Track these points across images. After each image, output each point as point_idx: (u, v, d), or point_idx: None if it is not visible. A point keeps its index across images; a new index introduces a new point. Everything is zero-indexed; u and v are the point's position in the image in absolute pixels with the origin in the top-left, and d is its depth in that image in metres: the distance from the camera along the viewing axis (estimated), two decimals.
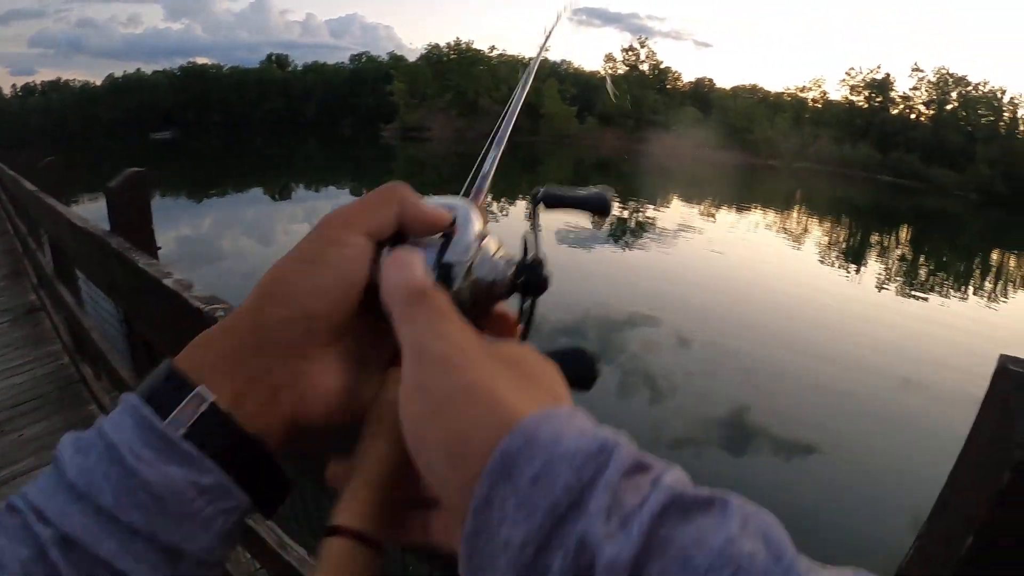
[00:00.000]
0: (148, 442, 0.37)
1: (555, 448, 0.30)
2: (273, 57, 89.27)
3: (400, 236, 0.47)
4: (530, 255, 0.51)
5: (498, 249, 0.50)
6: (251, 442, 0.41)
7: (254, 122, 74.89)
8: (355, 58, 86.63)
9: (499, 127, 0.72)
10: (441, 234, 0.47)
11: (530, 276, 0.50)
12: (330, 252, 0.44)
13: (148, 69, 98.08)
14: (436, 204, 0.47)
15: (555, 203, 0.55)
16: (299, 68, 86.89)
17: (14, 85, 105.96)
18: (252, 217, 21.54)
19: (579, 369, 0.46)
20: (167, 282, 2.00)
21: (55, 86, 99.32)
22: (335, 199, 27.45)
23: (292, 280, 0.44)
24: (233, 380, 0.42)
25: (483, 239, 0.48)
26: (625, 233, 23.92)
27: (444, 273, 0.46)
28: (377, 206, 0.46)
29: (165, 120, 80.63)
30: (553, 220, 17.38)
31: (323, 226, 0.45)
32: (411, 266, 0.43)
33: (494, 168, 0.66)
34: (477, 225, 0.48)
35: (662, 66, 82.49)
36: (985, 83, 72.34)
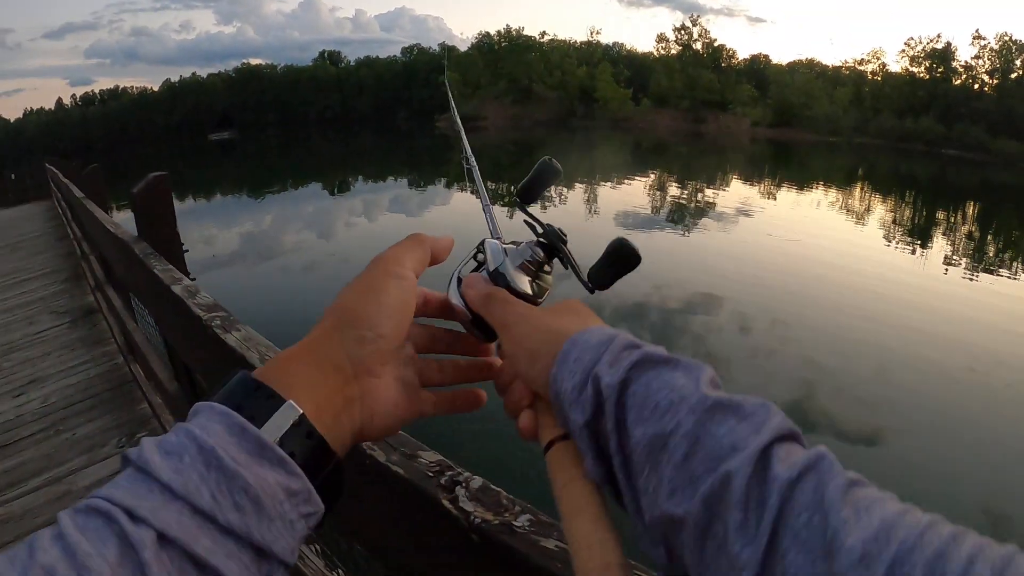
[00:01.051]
0: (244, 447, 0.41)
1: (586, 343, 0.48)
2: (325, 54, 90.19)
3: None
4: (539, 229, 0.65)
5: (519, 244, 0.65)
6: (331, 453, 0.48)
7: (310, 119, 75.73)
8: (407, 51, 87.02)
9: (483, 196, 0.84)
10: (474, 257, 0.66)
11: (551, 236, 0.64)
12: (391, 283, 0.56)
13: (203, 72, 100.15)
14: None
15: (602, 282, 0.63)
16: (352, 64, 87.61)
17: (74, 95, 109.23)
18: (311, 212, 21.65)
19: (625, 255, 0.61)
20: (176, 288, 1.98)
21: (113, 94, 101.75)
22: (393, 190, 27.52)
23: (363, 306, 0.55)
24: (315, 395, 0.48)
25: (505, 245, 0.65)
26: (684, 216, 23.51)
27: (496, 277, 0.62)
28: (415, 248, 0.60)
29: (223, 121, 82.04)
30: (612, 204, 17.08)
31: (382, 262, 0.58)
32: (479, 282, 0.61)
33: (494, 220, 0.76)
34: (498, 244, 0.65)
35: (716, 44, 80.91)
36: None
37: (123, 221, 4.32)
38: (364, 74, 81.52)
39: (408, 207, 23.24)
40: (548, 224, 0.65)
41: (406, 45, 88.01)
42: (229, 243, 17.16)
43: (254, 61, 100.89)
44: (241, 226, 19.22)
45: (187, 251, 5.92)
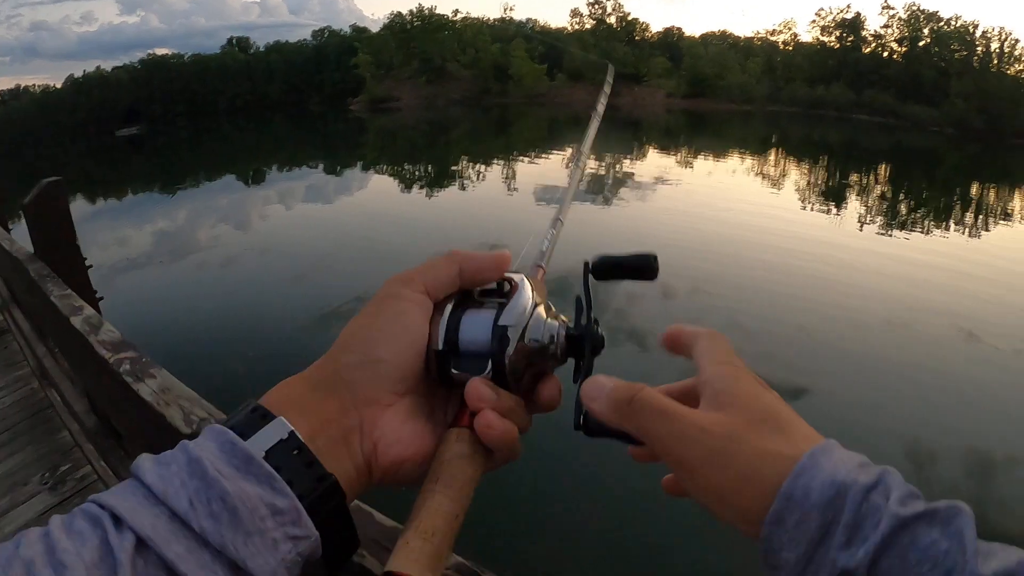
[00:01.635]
0: (230, 460, 0.40)
1: (808, 496, 0.39)
2: (234, 41, 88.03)
3: (463, 300, 0.56)
4: (583, 320, 0.57)
5: (553, 316, 0.57)
6: (323, 476, 0.44)
7: (220, 109, 74.03)
8: (317, 34, 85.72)
9: (561, 207, 0.81)
10: (497, 300, 0.56)
11: (586, 336, 0.56)
12: (389, 304, 0.52)
13: (108, 66, 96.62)
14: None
15: (604, 274, 0.60)
16: (261, 49, 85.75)
17: None
18: (226, 205, 21.34)
19: (645, 268, 0.59)
20: (75, 321, 1.85)
21: (15, 94, 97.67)
22: (308, 178, 27.24)
23: (361, 330, 0.52)
24: (309, 419, 0.46)
25: (537, 306, 0.55)
26: (602, 188, 23.83)
27: (499, 335, 0.52)
28: (436, 266, 0.55)
29: (130, 115, 79.58)
30: (527, 180, 17.27)
31: (386, 284, 0.55)
32: (602, 384, 0.50)
33: (554, 245, 0.69)
34: (530, 293, 0.55)
35: (630, 18, 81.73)
36: (957, 18, 72.47)
37: (24, 234, 4.19)
38: (274, 59, 79.89)
39: (324, 193, 23.09)
40: (595, 323, 0.57)
41: (316, 28, 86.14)
42: (142, 243, 16.82)
43: (160, 51, 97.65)
44: (155, 224, 18.85)
45: (91, 266, 5.71)
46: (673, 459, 0.46)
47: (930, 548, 0.35)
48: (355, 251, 14.65)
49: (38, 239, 3.30)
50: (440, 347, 0.53)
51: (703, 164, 34.24)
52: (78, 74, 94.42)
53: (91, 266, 6.03)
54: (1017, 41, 70.34)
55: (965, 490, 6.48)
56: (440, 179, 26.35)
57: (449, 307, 0.55)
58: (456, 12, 78.99)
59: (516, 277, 0.56)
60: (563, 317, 0.57)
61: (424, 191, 23.74)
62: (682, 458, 0.45)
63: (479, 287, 0.57)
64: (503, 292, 0.57)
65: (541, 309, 0.55)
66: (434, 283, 0.54)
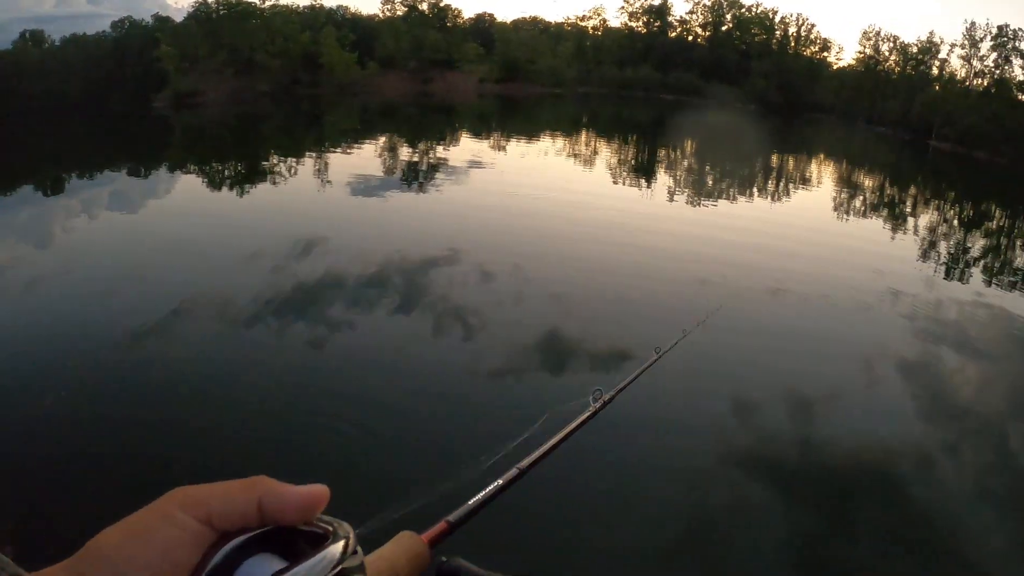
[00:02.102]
0: None
1: None
2: (27, 35, 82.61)
3: (266, 538, 0.44)
4: None
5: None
6: None
7: (13, 111, 69.46)
8: (117, 25, 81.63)
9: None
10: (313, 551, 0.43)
11: None
12: (158, 527, 0.42)
13: None
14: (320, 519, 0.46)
15: None
16: (57, 43, 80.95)
17: None
18: (24, 220, 20.75)
19: None
20: None
21: None
22: (113, 183, 26.60)
23: (113, 549, 0.41)
24: None
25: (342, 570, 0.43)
26: (417, 175, 24.66)
27: None
28: (232, 491, 0.44)
29: None
30: (343, 171, 17.94)
31: (163, 499, 0.44)
32: None
33: (488, 500, 0.78)
34: (336, 556, 0.43)
35: (441, 4, 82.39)
36: (757, 5, 78.58)
37: None
38: (71, 54, 75.32)
39: (129, 199, 22.82)
40: None
41: (116, 19, 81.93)
42: None
43: None
44: None
45: None
46: None
47: None
48: (166, 258, 14.55)
49: None
50: None
51: (516, 147, 35.55)
52: None
53: None
54: (813, 26, 78.32)
55: (789, 431, 7.81)
56: (251, 176, 26.45)
57: (232, 544, 0.42)
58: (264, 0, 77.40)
59: (340, 531, 0.45)
60: None
61: (235, 190, 23.86)
62: None
63: (290, 525, 0.45)
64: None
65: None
66: (222, 512, 0.43)
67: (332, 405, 7.61)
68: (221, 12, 73.59)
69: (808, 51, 77.99)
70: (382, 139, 36.80)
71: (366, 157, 29.97)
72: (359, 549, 0.46)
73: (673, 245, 15.77)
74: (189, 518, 0.42)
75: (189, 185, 25.71)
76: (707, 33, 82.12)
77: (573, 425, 1.56)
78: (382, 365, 9.01)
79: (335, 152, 31.80)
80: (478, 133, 42.88)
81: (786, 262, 14.97)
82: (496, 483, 1.14)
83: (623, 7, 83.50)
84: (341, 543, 0.44)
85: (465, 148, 34.54)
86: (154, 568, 0.40)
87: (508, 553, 4.81)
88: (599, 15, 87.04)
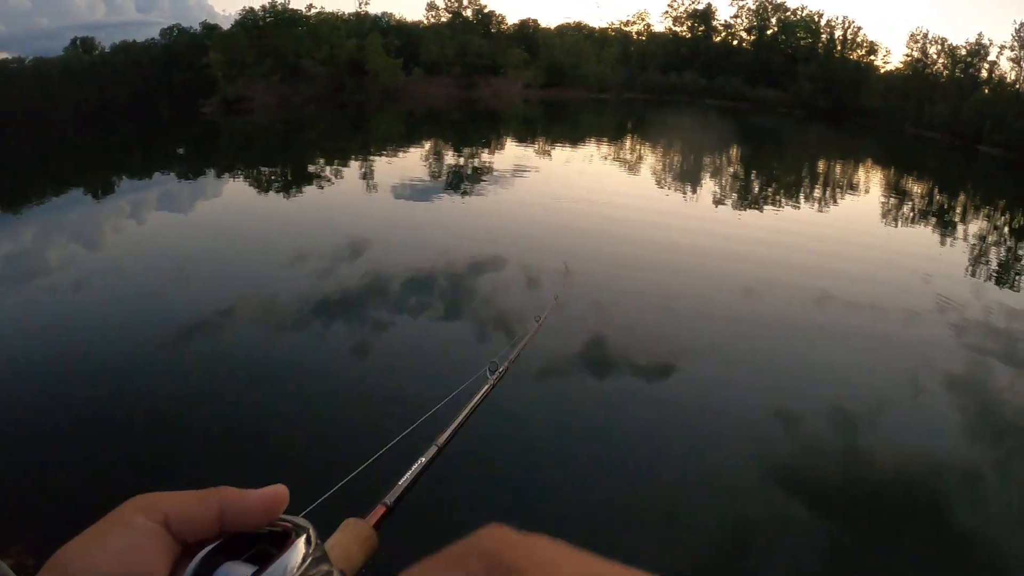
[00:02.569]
0: None
1: None
2: (78, 42, 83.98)
3: (229, 546, 0.43)
4: None
5: None
6: None
7: (65, 116, 70.59)
8: (165, 32, 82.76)
9: (433, 444, 1.10)
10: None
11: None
12: (115, 533, 0.41)
13: None
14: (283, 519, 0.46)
15: None
16: (107, 51, 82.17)
17: None
18: (75, 222, 20.87)
19: None
20: None
21: None
22: (162, 185, 26.75)
23: (76, 558, 0.40)
24: None
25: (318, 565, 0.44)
26: (462, 181, 24.44)
27: None
28: (192, 499, 0.44)
29: None
30: (388, 177, 17.73)
31: (123, 506, 0.43)
32: None
33: (416, 477, 0.83)
34: (300, 555, 0.44)
35: (486, 10, 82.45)
36: (803, 8, 77.54)
37: None
38: (121, 61, 76.59)
39: (178, 202, 22.85)
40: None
41: (165, 26, 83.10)
42: None
43: None
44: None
45: None
46: None
47: None
48: (212, 260, 14.69)
49: None
50: None
51: (561, 152, 35.23)
52: None
53: None
54: (859, 29, 76.40)
55: (832, 444, 7.48)
56: (297, 181, 26.44)
57: (202, 554, 0.42)
58: (310, 7, 77.56)
59: (298, 527, 0.46)
60: None
61: (281, 194, 23.82)
62: None
63: (251, 530, 0.45)
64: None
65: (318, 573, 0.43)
66: (180, 520, 0.43)
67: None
68: (268, 20, 74.21)
69: (855, 54, 76.24)
70: (427, 144, 36.71)
71: (411, 162, 29.83)
72: (319, 541, 0.45)
73: (716, 247, 15.33)
74: (148, 522, 0.42)
75: (236, 189, 25.71)
76: (752, 37, 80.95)
77: (476, 398, 1.71)
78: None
79: (380, 157, 31.67)
80: (523, 138, 42.61)
81: (832, 268, 14.43)
82: (420, 461, 1.23)
83: (667, 12, 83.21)
84: (303, 538, 0.44)
85: (510, 153, 34.33)
86: (116, 572, 0.39)
87: (447, 524, 4.76)
88: (643, 20, 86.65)
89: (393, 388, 7.84)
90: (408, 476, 1.18)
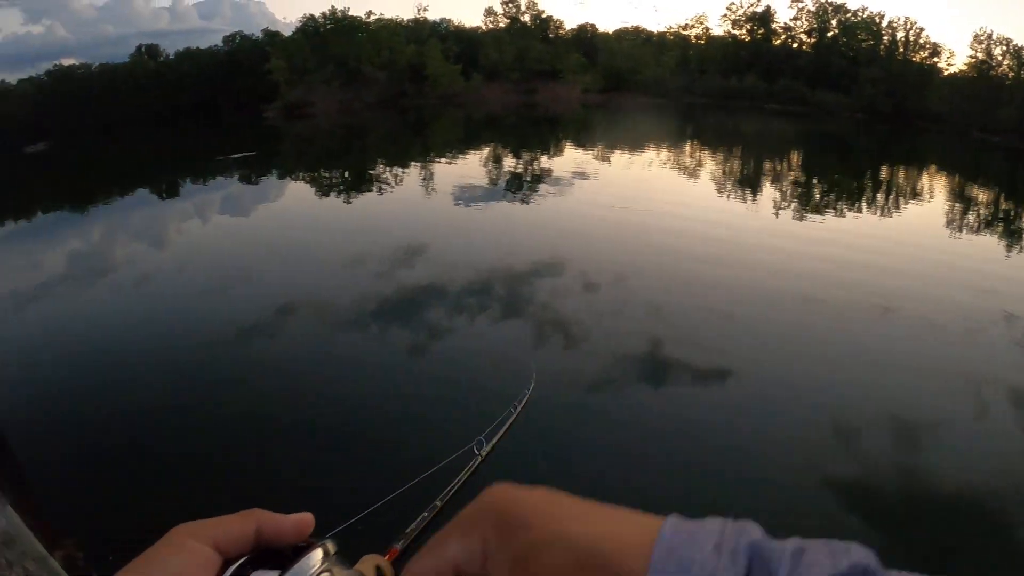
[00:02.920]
0: None
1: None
2: (143, 49, 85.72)
3: (260, 559, 0.50)
4: None
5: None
6: None
7: (131, 119, 72.04)
8: (228, 39, 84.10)
9: (443, 493, 1.08)
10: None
11: None
12: (170, 558, 0.47)
13: (13, 79, 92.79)
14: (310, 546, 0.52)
15: None
16: (171, 57, 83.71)
17: None
18: (140, 221, 21.11)
19: None
20: None
21: None
22: (224, 187, 27.00)
23: None
24: None
25: (323, 572, 0.50)
26: (521, 186, 24.21)
27: None
28: (232, 522, 0.51)
29: (38, 130, 76.94)
30: (448, 180, 17.61)
31: (170, 534, 0.49)
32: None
33: (422, 528, 0.73)
34: (318, 561, 0.50)
35: (544, 15, 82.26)
36: (864, 9, 75.56)
37: None
38: (185, 67, 77.94)
39: (240, 204, 23.01)
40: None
41: (228, 33, 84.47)
42: (54, 265, 16.57)
43: (67, 61, 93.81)
44: (66, 245, 18.55)
45: None
46: None
47: None
48: (273, 262, 14.75)
49: None
50: None
51: (620, 158, 34.82)
52: None
53: None
54: (922, 30, 73.58)
55: (890, 457, 7.13)
56: (357, 184, 26.44)
57: (235, 565, 0.50)
58: (370, 13, 78.24)
59: (318, 542, 0.53)
60: None
61: (341, 197, 23.83)
62: None
63: (281, 547, 0.53)
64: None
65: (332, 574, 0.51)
66: (225, 538, 0.50)
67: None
68: (328, 26, 75.01)
69: (917, 56, 73.77)
70: (486, 149, 36.56)
71: (470, 167, 29.68)
72: (338, 552, 0.52)
73: (773, 257, 14.75)
74: (200, 545, 0.48)
75: (297, 191, 25.81)
76: (812, 40, 79.11)
77: (473, 466, 1.80)
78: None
79: (439, 162, 31.63)
80: (581, 144, 42.26)
81: (893, 278, 13.76)
82: (423, 516, 1.32)
83: (726, 15, 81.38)
84: (320, 548, 0.51)
85: (568, 159, 33.98)
86: None
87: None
88: (702, 23, 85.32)
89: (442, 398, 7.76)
90: (413, 527, 1.22)
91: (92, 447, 7.11)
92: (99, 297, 13.20)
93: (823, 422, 7.60)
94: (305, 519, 0.54)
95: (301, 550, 0.51)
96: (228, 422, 7.50)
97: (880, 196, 27.45)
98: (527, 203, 20.92)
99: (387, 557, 0.85)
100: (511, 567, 0.39)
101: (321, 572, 0.49)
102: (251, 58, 74.10)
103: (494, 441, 2.04)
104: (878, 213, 22.46)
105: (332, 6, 76.41)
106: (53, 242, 19.06)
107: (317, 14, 77.12)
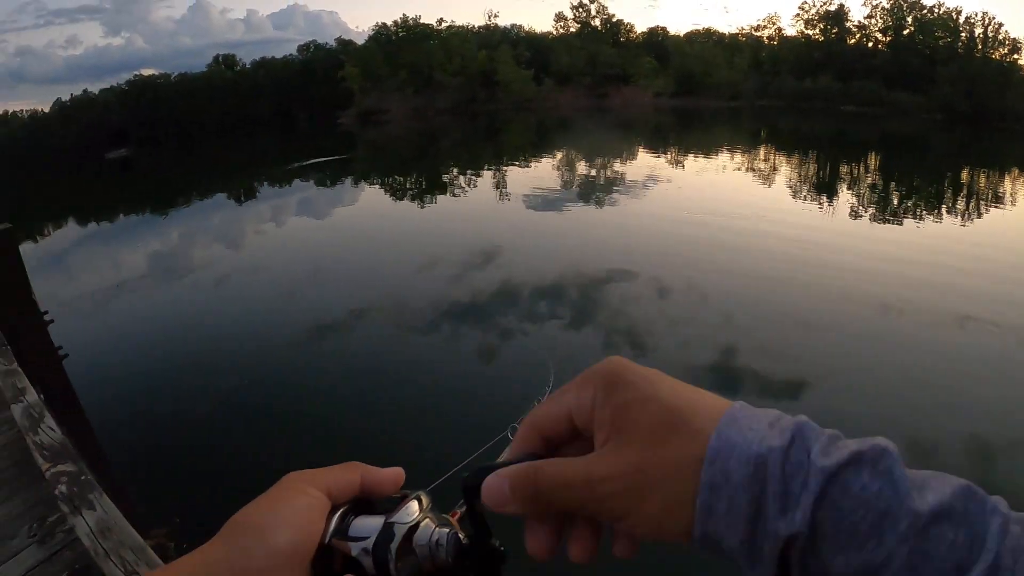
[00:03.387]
0: None
1: (728, 485, 0.42)
2: (220, 58, 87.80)
3: (359, 506, 0.57)
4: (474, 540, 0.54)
5: (446, 526, 0.56)
6: None
7: (209, 127, 73.71)
8: (303, 48, 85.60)
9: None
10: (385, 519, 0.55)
11: (482, 553, 0.54)
12: (291, 497, 0.52)
13: (95, 88, 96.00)
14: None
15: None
16: (247, 66, 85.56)
17: None
18: (218, 224, 21.37)
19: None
20: (15, 410, 1.75)
21: (3, 120, 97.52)
22: (300, 192, 27.24)
23: (257, 517, 0.50)
24: None
25: (427, 519, 0.55)
26: (594, 190, 23.87)
27: (385, 532, 0.53)
28: (338, 472, 0.56)
29: (119, 137, 79.23)
30: (521, 186, 17.30)
31: (287, 479, 0.54)
32: (500, 487, 0.50)
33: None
34: (417, 506, 0.56)
35: (614, 19, 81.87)
36: (940, 5, 72.59)
37: None
38: (261, 76, 79.68)
39: (316, 208, 23.11)
40: (496, 544, 0.55)
41: (302, 43, 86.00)
42: (138, 265, 16.84)
43: (146, 72, 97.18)
44: (147, 246, 18.87)
45: (51, 321, 5.65)
46: (604, 518, 0.47)
47: (862, 492, 0.36)
48: (347, 264, 14.73)
49: None
50: (327, 540, 0.53)
51: (693, 162, 34.24)
52: (65, 98, 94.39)
53: (51, 321, 5.98)
54: (1001, 25, 70.38)
55: (969, 473, 6.46)
56: (431, 189, 26.38)
57: (344, 508, 0.55)
58: (441, 21, 79.03)
59: (413, 494, 0.57)
60: (460, 534, 0.55)
61: (415, 202, 23.77)
62: (608, 514, 0.46)
63: (378, 498, 0.59)
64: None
65: (430, 521, 0.55)
66: (335, 485, 0.55)
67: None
68: (400, 34, 75.82)
69: (996, 53, 70.12)
70: (558, 155, 36.29)
71: (542, 172, 29.41)
72: (431, 502, 0.58)
73: (850, 264, 14.02)
74: (315, 490, 0.54)
75: (372, 196, 25.85)
76: (887, 38, 76.26)
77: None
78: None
79: (512, 166, 31.41)
80: (655, 148, 41.65)
81: (975, 287, 12.85)
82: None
83: (798, 14, 79.46)
84: (414, 499, 0.56)
85: (641, 163, 33.47)
86: (292, 526, 0.50)
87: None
88: (774, 24, 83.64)
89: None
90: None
91: (180, 438, 7.28)
92: (183, 296, 13.34)
93: (898, 439, 7.03)
94: (399, 473, 0.59)
95: (396, 501, 0.57)
96: (291, 414, 7.60)
97: (960, 201, 26.31)
98: (598, 209, 20.54)
99: None
100: (612, 415, 0.47)
101: (421, 519, 0.54)
102: (325, 66, 75.31)
103: None
104: (958, 218, 21.42)
105: (403, 14, 76.99)
106: (136, 243, 19.37)
107: (389, 22, 78.27)
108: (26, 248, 17.83)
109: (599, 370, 0.50)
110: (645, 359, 8.94)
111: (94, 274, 16.64)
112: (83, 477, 1.18)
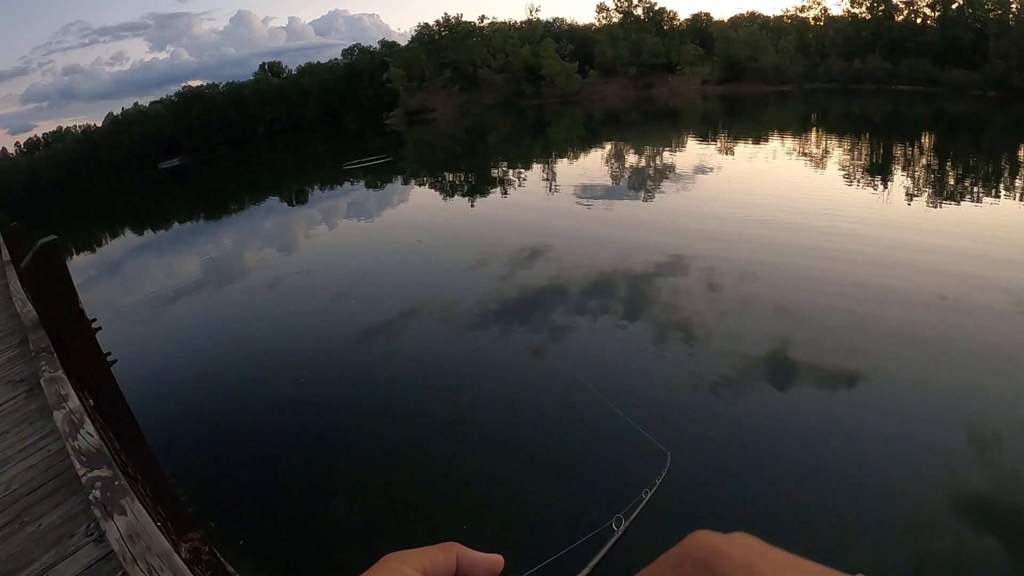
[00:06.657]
0: None
1: None
2: (266, 66, 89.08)
3: None
4: None
5: None
6: None
7: (259, 134, 74.75)
8: (347, 52, 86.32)
9: None
10: None
11: None
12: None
13: (145, 102, 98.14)
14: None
15: None
16: (293, 73, 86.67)
17: (17, 143, 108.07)
18: (270, 228, 21.50)
19: None
20: (57, 416, 1.71)
21: (57, 136, 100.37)
22: (350, 194, 27.34)
23: None
24: None
25: None
26: (644, 182, 23.55)
27: None
28: (435, 552, 0.57)
29: (171, 148, 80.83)
30: (570, 178, 17.03)
31: (385, 560, 0.55)
32: None
33: None
34: None
35: (656, 7, 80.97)
36: None
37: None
38: (307, 81, 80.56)
39: (366, 209, 23.12)
40: None
41: (345, 47, 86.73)
42: (191, 271, 17.00)
43: (194, 83, 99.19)
44: (202, 252, 19.09)
45: (99, 329, 5.70)
46: None
47: None
48: (398, 264, 14.69)
49: (40, 305, 3.05)
50: None
51: (743, 149, 33.66)
52: (116, 112, 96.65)
53: (99, 328, 6.01)
54: None
55: None
56: (480, 186, 26.26)
57: None
58: (482, 18, 78.94)
59: None
60: None
61: (465, 199, 23.65)
62: None
63: None
64: None
65: None
66: (433, 568, 0.56)
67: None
68: (443, 33, 75.99)
69: None
70: (607, 146, 35.95)
71: (591, 164, 29.10)
72: None
73: (906, 256, 13.41)
74: (412, 570, 0.54)
75: (420, 195, 25.83)
76: (936, 13, 73.98)
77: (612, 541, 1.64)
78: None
79: (561, 160, 31.17)
80: (703, 136, 41.08)
81: None
82: None
83: None
84: None
85: (691, 152, 32.96)
86: None
87: None
88: (819, 4, 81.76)
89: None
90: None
91: (227, 443, 7.31)
92: (235, 301, 13.41)
93: (958, 433, 6.66)
94: (496, 560, 0.59)
95: None
96: (344, 429, 7.51)
97: (1020, 181, 25.42)
98: (649, 200, 20.17)
99: None
100: None
101: None
102: (370, 69, 75.87)
103: (633, 517, 1.90)
104: (1018, 199, 20.64)
105: (445, 13, 77.12)
106: (191, 250, 19.56)
107: (431, 22, 78.45)
108: (83, 259, 17.96)
109: (685, 555, 0.43)
110: (698, 349, 8.60)
111: (149, 281, 16.85)
112: (117, 482, 1.15)
